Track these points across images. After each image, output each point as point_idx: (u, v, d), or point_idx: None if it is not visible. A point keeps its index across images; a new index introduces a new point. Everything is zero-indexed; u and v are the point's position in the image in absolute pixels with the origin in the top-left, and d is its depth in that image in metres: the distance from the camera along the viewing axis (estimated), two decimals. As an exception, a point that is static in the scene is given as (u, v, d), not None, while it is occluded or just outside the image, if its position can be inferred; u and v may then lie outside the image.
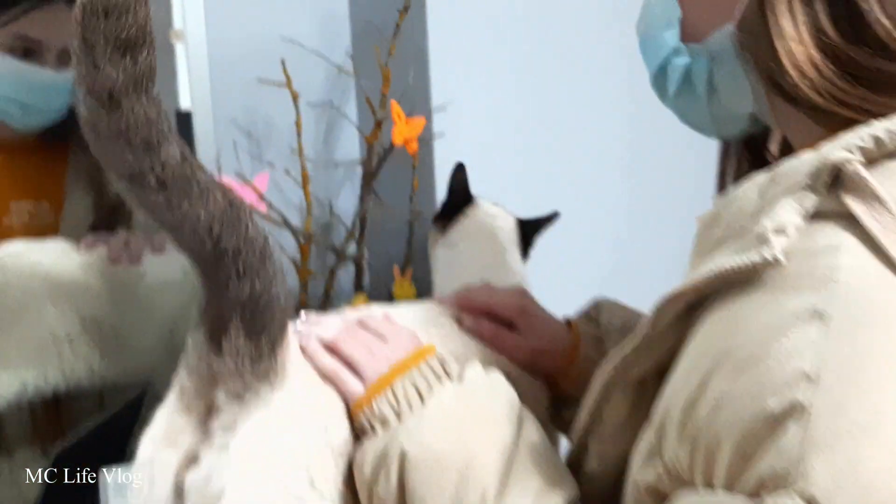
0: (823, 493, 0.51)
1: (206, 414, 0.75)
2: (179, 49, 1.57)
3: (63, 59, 1.34)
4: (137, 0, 0.65)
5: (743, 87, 0.73)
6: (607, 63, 0.91)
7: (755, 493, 0.53)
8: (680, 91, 0.78)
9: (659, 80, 0.80)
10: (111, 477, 1.11)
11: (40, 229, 1.39)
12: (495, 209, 1.18)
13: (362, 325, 0.84)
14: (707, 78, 0.76)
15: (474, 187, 1.16)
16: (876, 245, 0.57)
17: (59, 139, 1.39)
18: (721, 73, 0.75)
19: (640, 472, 0.65)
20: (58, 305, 1.25)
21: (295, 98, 1.31)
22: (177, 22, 1.31)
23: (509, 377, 0.84)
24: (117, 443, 1.24)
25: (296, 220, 1.35)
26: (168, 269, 1.35)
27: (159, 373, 1.33)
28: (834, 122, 0.65)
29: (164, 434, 0.76)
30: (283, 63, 1.29)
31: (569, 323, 0.99)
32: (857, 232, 0.59)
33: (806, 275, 0.58)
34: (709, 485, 0.57)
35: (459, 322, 0.94)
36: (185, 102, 1.35)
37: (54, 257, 1.29)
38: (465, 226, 1.15)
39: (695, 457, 0.58)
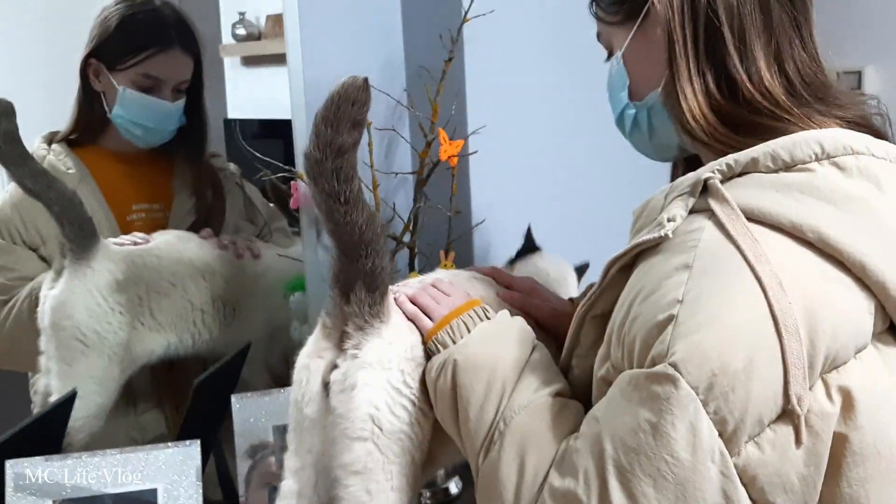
0: (681, 361, 0.75)
1: (340, 339, 1.00)
2: (227, 63, 1.72)
3: (175, 93, 1.56)
4: (368, 98, 0.91)
5: (671, 128, 0.93)
6: (601, 100, 1.05)
7: (651, 365, 0.77)
8: (632, 131, 0.99)
9: (619, 124, 1.01)
10: (236, 400, 1.35)
11: (154, 226, 1.61)
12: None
13: (433, 285, 1.07)
14: (648, 123, 0.97)
15: (501, 194, 1.34)
16: (724, 227, 0.80)
17: (167, 153, 1.62)
18: (656, 119, 0.95)
19: (598, 371, 0.88)
20: (196, 283, 1.51)
21: (368, 125, 1.45)
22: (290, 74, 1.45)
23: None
24: (233, 378, 1.50)
25: (367, 216, 1.51)
26: (278, 279, 1.59)
27: (257, 338, 1.58)
28: (717, 152, 0.87)
29: (313, 350, 1.02)
30: (359, 100, 1.51)
31: (571, 300, 1.17)
32: (714, 220, 0.81)
33: (683, 244, 0.81)
34: (631, 367, 0.81)
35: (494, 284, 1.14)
36: (280, 115, 1.53)
37: (194, 247, 1.55)
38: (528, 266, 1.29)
39: (624, 353, 0.82)
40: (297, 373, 1.02)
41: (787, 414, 0.77)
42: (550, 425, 0.89)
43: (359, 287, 0.97)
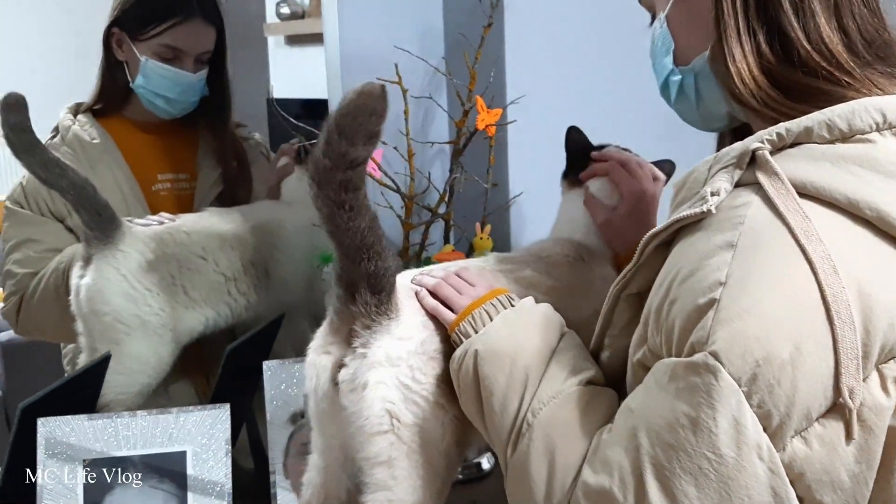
0: (722, 349, 0.72)
1: (348, 336, 0.99)
2: (271, 42, 1.75)
3: (197, 63, 1.56)
4: (385, 108, 0.89)
5: (719, 95, 0.88)
6: (647, 68, 1.09)
7: (689, 354, 0.74)
8: (678, 99, 0.95)
9: (664, 92, 0.97)
10: (268, 367, 1.35)
11: (180, 195, 1.63)
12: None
13: (458, 273, 1.06)
14: (694, 89, 0.92)
15: (540, 166, 1.33)
16: (772, 203, 0.76)
17: (192, 124, 1.63)
18: (703, 86, 0.91)
19: (634, 355, 0.85)
20: (225, 254, 1.51)
21: (404, 92, 1.49)
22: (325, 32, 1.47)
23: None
24: (266, 346, 1.51)
25: (402, 186, 1.54)
26: (301, 218, 1.56)
27: (298, 300, 1.58)
28: (768, 119, 0.82)
29: (320, 345, 1.02)
30: (395, 66, 1.48)
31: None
32: (761, 194, 0.77)
33: (727, 221, 0.77)
34: (669, 355, 0.77)
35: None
36: (321, 94, 1.57)
37: (218, 218, 1.55)
38: None
39: (663, 338, 0.78)
40: (307, 368, 1.03)
41: (837, 408, 0.73)
42: (581, 417, 0.87)
43: (363, 289, 0.97)
